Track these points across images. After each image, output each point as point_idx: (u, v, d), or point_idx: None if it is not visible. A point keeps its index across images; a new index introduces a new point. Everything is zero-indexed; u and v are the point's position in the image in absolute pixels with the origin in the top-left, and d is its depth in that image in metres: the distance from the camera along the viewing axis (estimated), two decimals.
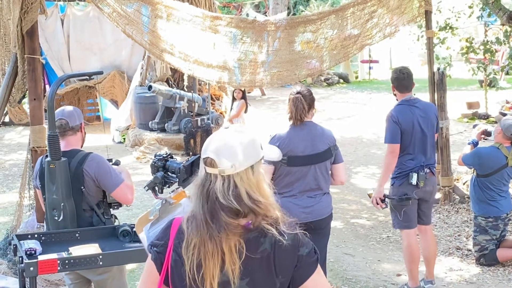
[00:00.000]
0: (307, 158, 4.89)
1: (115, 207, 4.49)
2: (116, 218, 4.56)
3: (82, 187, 4.27)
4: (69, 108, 4.58)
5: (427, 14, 8.13)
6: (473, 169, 6.93)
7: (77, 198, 4.28)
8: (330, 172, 5.06)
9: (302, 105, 4.92)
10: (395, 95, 6.01)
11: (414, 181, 5.73)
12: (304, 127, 4.96)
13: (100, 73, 6.19)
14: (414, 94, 6.09)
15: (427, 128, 5.83)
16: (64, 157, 4.24)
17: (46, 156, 4.35)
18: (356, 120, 16.31)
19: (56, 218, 4.25)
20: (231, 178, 2.18)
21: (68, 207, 4.24)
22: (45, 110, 6.88)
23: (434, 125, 5.92)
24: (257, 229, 2.19)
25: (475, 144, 7.00)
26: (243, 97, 11.89)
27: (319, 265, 2.28)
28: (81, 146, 4.54)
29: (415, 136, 5.77)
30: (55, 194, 4.23)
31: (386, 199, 5.89)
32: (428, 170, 5.82)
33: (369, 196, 6.10)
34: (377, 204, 5.90)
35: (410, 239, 5.89)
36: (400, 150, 5.77)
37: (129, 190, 4.38)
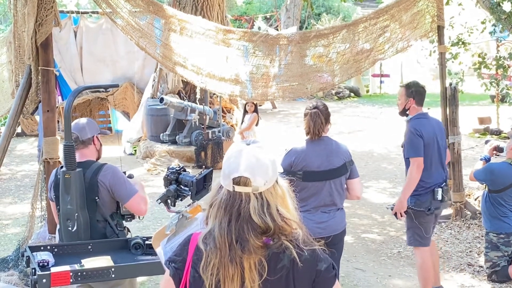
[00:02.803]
0: (322, 174, 4.88)
1: (128, 219, 4.49)
2: (128, 230, 4.57)
3: (97, 198, 4.29)
4: (83, 121, 4.61)
5: (440, 29, 8.13)
6: (485, 184, 6.90)
7: (91, 209, 4.29)
8: (345, 187, 5.05)
9: (320, 120, 4.91)
10: (406, 109, 5.96)
11: (439, 196, 5.75)
12: (321, 142, 4.96)
13: (116, 86, 6.21)
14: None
15: (442, 142, 5.91)
16: (79, 168, 4.26)
17: (61, 167, 4.37)
18: (367, 134, 16.26)
19: (70, 228, 4.26)
20: (263, 195, 2.19)
21: (82, 217, 4.26)
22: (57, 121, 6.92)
23: (445, 139, 6.02)
24: (277, 245, 2.19)
25: (487, 160, 6.98)
26: (255, 110, 11.92)
27: (337, 281, 2.29)
28: (98, 158, 4.55)
29: (434, 149, 5.80)
30: (70, 204, 4.24)
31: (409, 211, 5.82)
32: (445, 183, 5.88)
33: (391, 209, 5.97)
34: (401, 215, 5.82)
35: (425, 256, 5.85)
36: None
37: (143, 201, 4.39)
